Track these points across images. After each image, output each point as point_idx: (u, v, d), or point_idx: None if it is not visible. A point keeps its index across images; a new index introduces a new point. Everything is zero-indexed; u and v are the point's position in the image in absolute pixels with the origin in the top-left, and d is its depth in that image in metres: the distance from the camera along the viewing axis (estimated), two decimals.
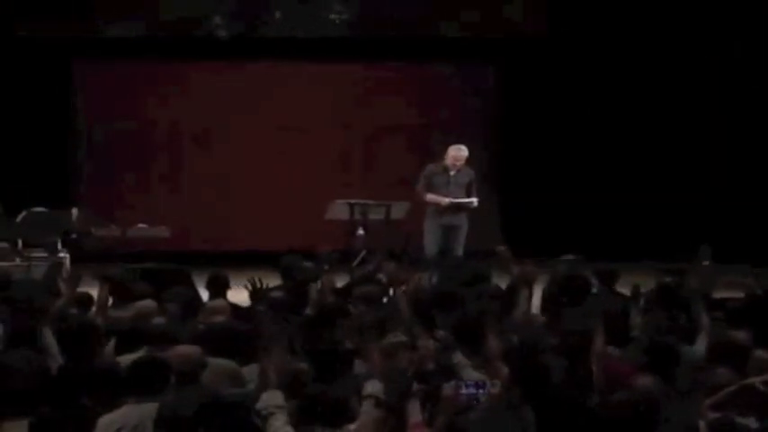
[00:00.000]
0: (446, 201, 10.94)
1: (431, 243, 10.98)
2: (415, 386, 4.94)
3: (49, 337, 6.19)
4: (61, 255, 11.49)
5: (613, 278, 8.41)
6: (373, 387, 4.86)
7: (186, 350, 5.61)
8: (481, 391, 4.55)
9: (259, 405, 4.88)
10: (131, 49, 14.80)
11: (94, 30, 14.63)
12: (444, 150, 11.37)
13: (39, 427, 4.41)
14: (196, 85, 14.95)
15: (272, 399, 4.93)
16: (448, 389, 4.52)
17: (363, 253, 10.97)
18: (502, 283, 8.44)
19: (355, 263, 10.84)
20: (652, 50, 14.95)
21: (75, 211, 11.86)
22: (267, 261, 11.06)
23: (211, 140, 15.04)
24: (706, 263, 8.64)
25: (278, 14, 14.86)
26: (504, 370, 5.48)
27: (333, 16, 15.00)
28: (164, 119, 15.08)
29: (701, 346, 6.42)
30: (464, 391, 4.51)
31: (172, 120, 15.08)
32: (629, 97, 15.04)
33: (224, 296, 8.27)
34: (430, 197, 11.04)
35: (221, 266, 8.78)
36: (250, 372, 6.21)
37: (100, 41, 14.77)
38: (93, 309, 8.10)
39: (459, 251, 11.19)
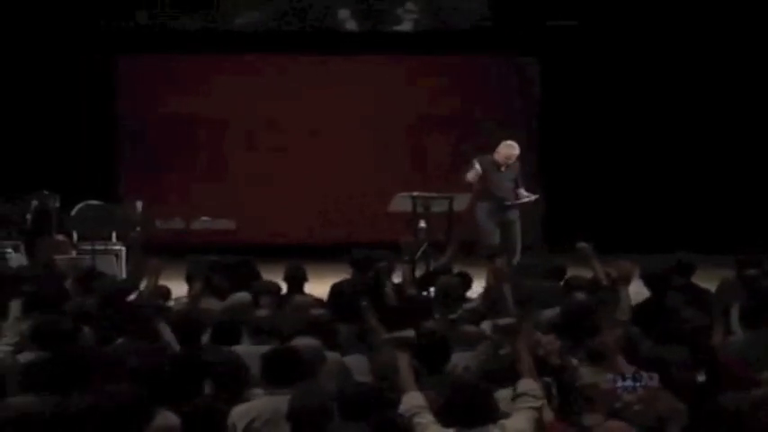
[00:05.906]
0: (475, 171, 10.95)
1: (495, 240, 10.98)
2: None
3: (167, 331, 6.13)
4: (120, 247, 11.44)
5: (691, 271, 8.36)
6: (527, 386, 4.75)
7: (309, 342, 5.56)
8: (639, 384, 4.49)
9: (401, 408, 4.80)
10: (180, 43, 14.79)
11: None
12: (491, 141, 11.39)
13: (189, 417, 4.37)
14: (247, 79, 14.90)
15: (413, 399, 4.86)
16: (606, 383, 4.46)
17: (425, 246, 10.91)
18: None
19: (417, 256, 10.78)
20: (709, 31, 14.43)
21: (139, 204, 11.78)
22: (317, 254, 11.12)
23: (261, 135, 14.99)
24: None
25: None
26: (624, 363, 5.40)
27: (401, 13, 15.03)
28: (214, 113, 14.99)
29: None
30: (621, 384, 4.45)
31: (223, 114, 15.01)
32: (688, 81, 14.56)
33: (302, 290, 8.26)
34: (470, 176, 11.03)
35: (286, 260, 8.74)
36: (351, 363, 6.19)
37: (145, 36, 14.73)
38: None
39: (519, 245, 11.16)
